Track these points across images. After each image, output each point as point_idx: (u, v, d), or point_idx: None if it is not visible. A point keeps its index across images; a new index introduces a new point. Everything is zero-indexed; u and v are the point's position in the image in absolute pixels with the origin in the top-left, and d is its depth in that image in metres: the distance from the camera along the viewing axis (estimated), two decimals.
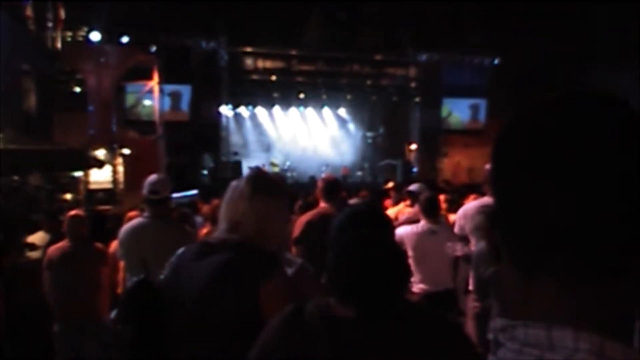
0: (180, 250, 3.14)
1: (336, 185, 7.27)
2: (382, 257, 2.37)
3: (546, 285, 0.97)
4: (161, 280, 3.10)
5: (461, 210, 8.30)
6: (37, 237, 9.01)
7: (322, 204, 7.17)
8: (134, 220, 6.09)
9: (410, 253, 7.42)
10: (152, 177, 5.92)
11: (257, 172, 3.17)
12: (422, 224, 7.69)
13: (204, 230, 8.06)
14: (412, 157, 31.42)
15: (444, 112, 31.45)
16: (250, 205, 3.01)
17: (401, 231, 7.58)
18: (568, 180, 0.93)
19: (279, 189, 3.11)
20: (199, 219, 9.88)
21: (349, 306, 2.32)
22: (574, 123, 0.96)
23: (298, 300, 2.51)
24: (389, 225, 2.69)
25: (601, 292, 0.95)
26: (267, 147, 32.13)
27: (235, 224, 3.01)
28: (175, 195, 11.55)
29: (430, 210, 7.73)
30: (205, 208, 10.33)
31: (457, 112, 31.56)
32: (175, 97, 27.16)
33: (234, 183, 3.17)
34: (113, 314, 3.18)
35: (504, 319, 1.01)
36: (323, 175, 8.79)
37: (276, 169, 29.33)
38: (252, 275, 2.81)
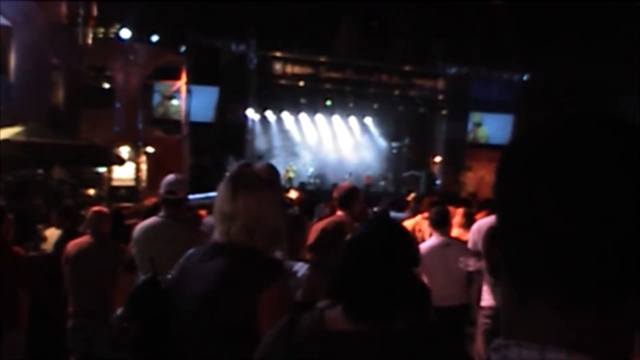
0: (190, 251, 3.13)
1: (351, 194, 7.24)
2: (386, 271, 2.34)
3: (542, 306, 0.95)
4: (168, 280, 3.09)
5: (475, 226, 8.28)
6: (49, 233, 9.08)
7: (338, 212, 7.17)
8: (149, 219, 6.08)
9: (428, 268, 7.37)
10: (170, 177, 5.91)
11: (238, 169, 3.08)
12: (435, 237, 7.65)
13: None
14: (436, 169, 31.40)
15: (474, 120, 31.42)
16: (235, 206, 2.95)
17: (422, 247, 7.55)
18: (570, 203, 0.91)
19: (262, 183, 3.01)
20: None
21: (348, 318, 2.29)
22: (580, 145, 0.94)
23: (296, 311, 2.48)
24: (408, 239, 2.64)
25: (598, 316, 0.93)
26: (292, 153, 32.19)
27: (227, 229, 2.97)
28: (197, 196, 11.54)
29: (439, 222, 7.69)
30: None
31: (486, 126, 31.55)
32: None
33: (220, 185, 3.10)
34: (119, 311, 3.17)
35: (499, 338, 0.99)
36: (340, 184, 8.76)
37: (291, 175, 29.38)
38: (253, 281, 2.81)
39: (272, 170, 3.10)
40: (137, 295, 3.13)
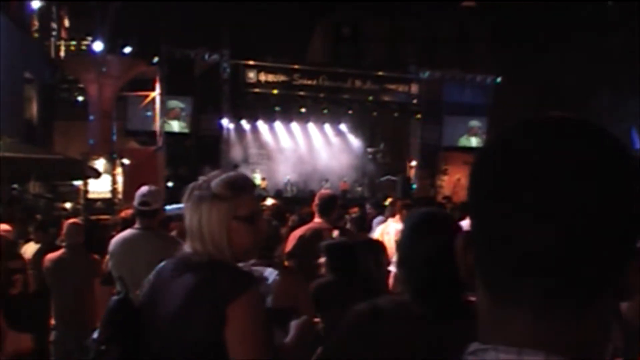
0: (160, 265, 3.10)
1: (332, 201, 7.29)
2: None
3: (518, 309, 0.96)
4: (140, 297, 3.07)
5: None
6: (28, 248, 9.05)
7: (317, 219, 7.19)
8: (124, 231, 6.09)
9: None
10: (143, 189, 5.92)
11: (195, 184, 3.01)
12: None
13: None
14: (412, 173, 31.41)
15: (472, 124, 31.43)
16: (192, 221, 2.94)
17: None
18: (545, 209, 0.93)
19: (213, 196, 2.94)
20: None
21: (424, 304, 2.35)
22: (555, 150, 0.95)
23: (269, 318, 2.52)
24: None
25: (572, 316, 0.95)
26: (268, 161, 32.07)
27: (193, 243, 2.94)
28: (173, 206, 11.52)
29: None
30: None
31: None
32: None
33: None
34: (95, 333, 3.14)
35: (476, 342, 1.00)
36: (320, 191, 8.80)
37: (256, 181, 29.18)
38: (221, 295, 2.76)
39: (230, 183, 3.02)
40: (110, 317, 3.10)
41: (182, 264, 2.97)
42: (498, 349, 0.96)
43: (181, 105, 27.16)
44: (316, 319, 3.60)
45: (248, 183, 3.11)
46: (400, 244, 2.66)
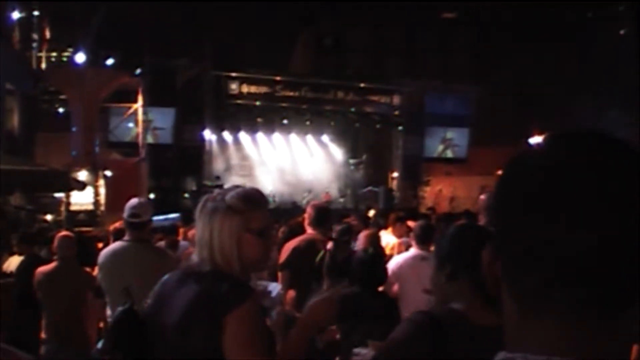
0: (165, 277, 3.10)
1: (327, 213, 7.30)
2: None
3: (548, 319, 0.96)
4: (145, 309, 3.07)
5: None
6: (12, 261, 9.00)
7: (310, 231, 7.15)
8: (114, 243, 6.07)
9: (403, 281, 7.34)
10: (133, 201, 5.91)
11: (210, 196, 3.06)
12: (414, 250, 7.62)
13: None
14: (394, 184, 31.47)
15: (447, 136, 31.53)
16: (202, 233, 2.95)
17: (397, 259, 7.51)
18: (575, 219, 0.93)
19: (227, 210, 2.96)
20: (184, 243, 9.85)
21: (489, 313, 2.33)
22: (582, 163, 0.96)
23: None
24: None
25: (603, 327, 0.95)
26: (250, 172, 32.07)
27: (201, 254, 2.95)
28: (156, 218, 11.46)
29: (423, 238, 7.66)
30: (191, 232, 10.24)
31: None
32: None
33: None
34: (100, 344, 3.13)
35: (503, 352, 1.00)
36: (313, 202, 8.78)
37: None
38: (219, 305, 2.77)
39: (245, 197, 3.04)
40: (116, 328, 3.10)
41: (187, 274, 2.98)
42: (527, 357, 0.96)
43: (150, 118, 26.83)
44: (333, 328, 3.59)
45: (263, 198, 3.15)
46: (453, 258, 2.64)
